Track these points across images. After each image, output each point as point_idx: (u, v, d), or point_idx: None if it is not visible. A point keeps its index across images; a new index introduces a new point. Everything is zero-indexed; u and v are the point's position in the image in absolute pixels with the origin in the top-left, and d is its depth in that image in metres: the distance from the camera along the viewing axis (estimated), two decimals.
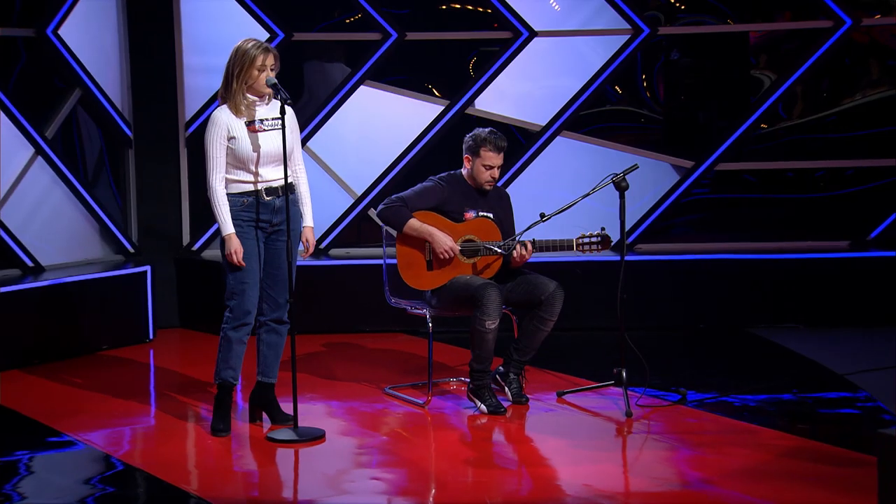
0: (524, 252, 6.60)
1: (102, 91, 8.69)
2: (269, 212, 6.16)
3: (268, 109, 6.15)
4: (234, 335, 6.18)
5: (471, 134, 6.78)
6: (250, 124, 6.09)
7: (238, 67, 6.06)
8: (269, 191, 6.15)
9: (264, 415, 6.39)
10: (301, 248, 6.34)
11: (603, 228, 6.65)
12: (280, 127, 6.07)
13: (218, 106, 6.17)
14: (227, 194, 6.11)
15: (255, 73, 6.05)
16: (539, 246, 6.62)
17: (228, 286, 6.19)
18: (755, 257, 8.85)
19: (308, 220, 6.33)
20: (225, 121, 6.07)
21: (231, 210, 6.11)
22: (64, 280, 8.15)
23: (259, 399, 6.38)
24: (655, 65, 9.41)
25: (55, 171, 8.49)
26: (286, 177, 6.07)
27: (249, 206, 6.13)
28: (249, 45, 6.07)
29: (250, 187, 6.13)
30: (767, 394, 6.88)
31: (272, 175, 6.14)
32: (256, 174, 6.12)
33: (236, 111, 6.08)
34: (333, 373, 7.58)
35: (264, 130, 6.10)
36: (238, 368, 6.23)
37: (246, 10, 8.87)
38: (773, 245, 9.02)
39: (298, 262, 6.35)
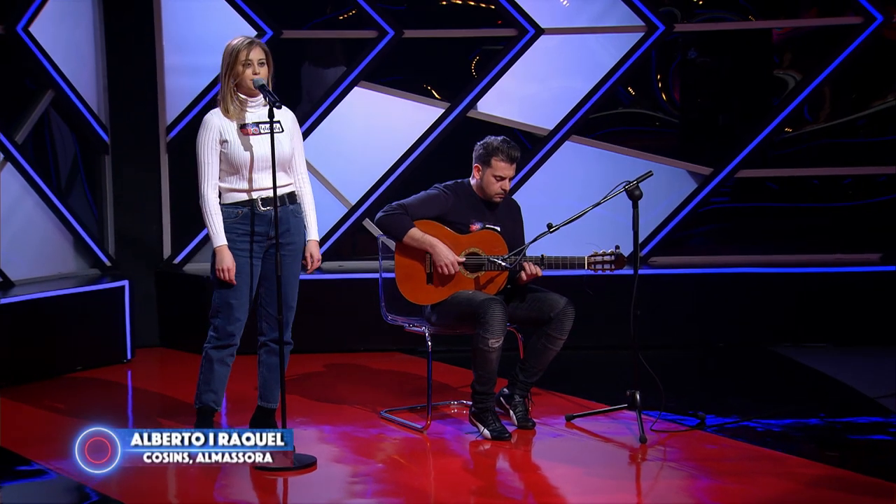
0: (535, 270, 6.58)
1: (77, 93, 8.68)
2: (266, 224, 6.13)
3: (264, 112, 6.11)
4: (216, 355, 6.17)
5: (482, 142, 6.78)
6: (243, 127, 6.07)
7: (225, 66, 6.06)
8: (266, 201, 6.12)
9: None
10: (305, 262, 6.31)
11: (617, 247, 6.63)
12: (279, 131, 6.07)
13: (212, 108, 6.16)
14: (221, 205, 6.09)
15: (240, 69, 6.04)
16: (548, 262, 6.62)
17: (214, 303, 6.18)
18: (778, 271, 8.83)
19: (312, 234, 6.31)
20: (216, 124, 6.06)
21: (224, 222, 6.08)
22: (35, 296, 8.13)
23: (259, 425, 6.34)
24: (671, 64, 9.41)
25: (26, 178, 8.47)
26: (280, 183, 6.07)
27: (244, 218, 6.09)
28: (235, 40, 6.09)
29: (244, 197, 6.10)
30: (793, 418, 6.87)
31: (269, 183, 6.11)
32: (252, 182, 6.10)
33: (227, 113, 6.06)
34: (325, 395, 7.56)
35: (259, 134, 6.08)
36: (220, 393, 6.21)
37: (232, 5, 8.87)
38: (797, 258, 9.00)
39: (300, 277, 6.32)
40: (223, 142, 6.05)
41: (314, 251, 6.31)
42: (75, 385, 7.96)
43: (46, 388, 7.85)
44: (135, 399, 7.77)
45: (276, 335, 6.23)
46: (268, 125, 6.05)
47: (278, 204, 6.11)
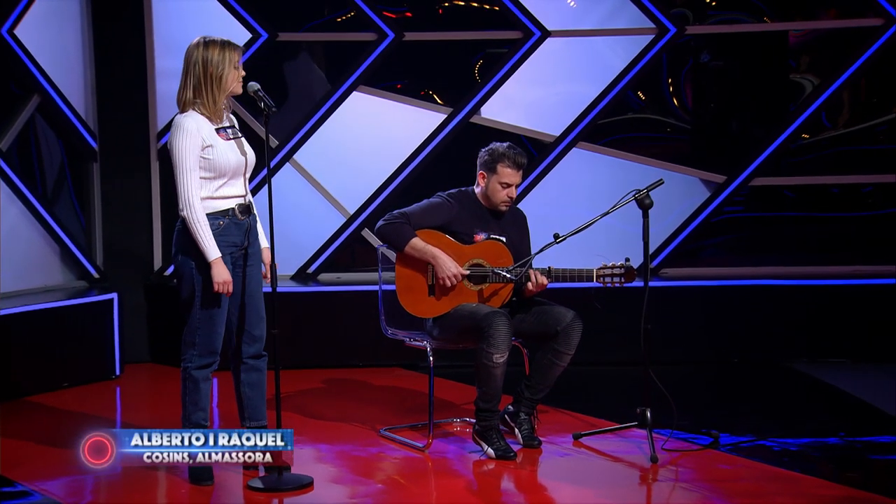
0: (542, 280, 6.58)
1: (64, 97, 8.69)
2: (241, 233, 6.12)
3: (226, 117, 6.15)
4: (200, 374, 6.14)
5: (487, 148, 6.78)
6: (218, 131, 6.05)
7: (215, 65, 6.01)
8: (243, 209, 6.10)
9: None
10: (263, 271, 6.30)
11: (627, 259, 6.62)
12: (240, 136, 6.09)
13: (180, 113, 6.09)
14: None
15: (236, 72, 6.03)
16: (555, 274, 6.61)
17: (193, 319, 6.13)
18: (795, 283, 8.83)
19: (264, 241, 6.29)
20: (196, 128, 6.00)
21: None
22: (20, 309, 8.12)
23: None
24: (683, 68, 9.42)
25: (10, 186, 8.48)
26: (267, 189, 6.05)
27: (226, 229, 6.06)
28: (219, 41, 6.03)
29: (223, 205, 6.07)
30: (810, 437, 6.85)
31: (240, 191, 6.10)
32: (230, 190, 6.07)
33: (217, 116, 6.03)
34: (323, 412, 7.55)
35: (229, 139, 6.06)
36: (207, 409, 6.21)
37: (225, 7, 8.88)
38: (815, 269, 9.00)
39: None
40: (207, 146, 5.99)
41: (268, 258, 6.29)
42: (61, 402, 7.95)
43: (31, 405, 7.84)
44: (124, 417, 7.76)
45: (254, 351, 6.23)
46: (234, 130, 6.09)
47: (249, 213, 6.11)
